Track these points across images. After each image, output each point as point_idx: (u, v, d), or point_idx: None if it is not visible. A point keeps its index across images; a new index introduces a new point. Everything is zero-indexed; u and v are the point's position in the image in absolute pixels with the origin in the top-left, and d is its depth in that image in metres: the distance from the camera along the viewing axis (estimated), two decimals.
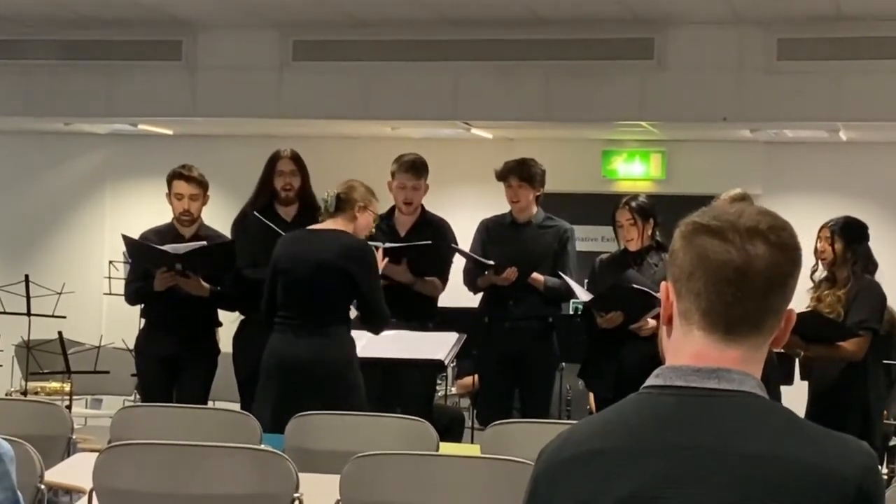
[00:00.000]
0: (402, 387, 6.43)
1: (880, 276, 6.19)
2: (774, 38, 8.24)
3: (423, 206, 6.66)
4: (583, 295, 6.42)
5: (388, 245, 6.29)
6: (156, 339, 6.37)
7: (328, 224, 5.64)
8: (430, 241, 6.42)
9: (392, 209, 6.67)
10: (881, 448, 6.61)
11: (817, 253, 5.98)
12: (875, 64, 8.07)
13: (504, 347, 6.64)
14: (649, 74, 8.47)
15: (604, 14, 8.22)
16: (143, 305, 6.52)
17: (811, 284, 6.03)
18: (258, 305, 5.93)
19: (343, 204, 5.57)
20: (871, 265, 6.06)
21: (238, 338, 6.46)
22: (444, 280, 6.61)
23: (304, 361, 5.49)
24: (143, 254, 6.35)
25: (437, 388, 7.35)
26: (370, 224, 5.76)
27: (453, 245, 6.62)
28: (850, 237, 6.01)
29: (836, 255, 5.96)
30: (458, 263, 6.76)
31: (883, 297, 6.06)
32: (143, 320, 6.54)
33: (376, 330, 5.75)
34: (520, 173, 6.64)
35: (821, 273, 6.05)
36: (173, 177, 6.40)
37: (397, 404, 6.26)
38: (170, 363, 6.32)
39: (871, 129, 8.88)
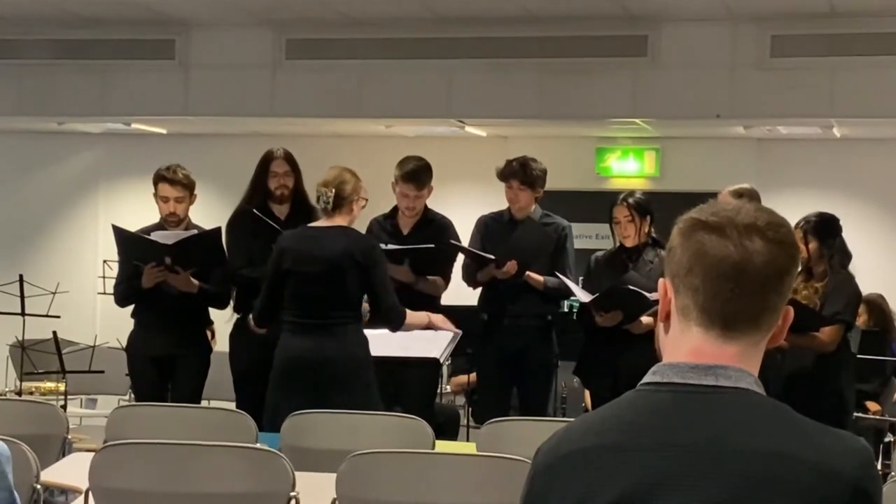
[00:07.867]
0: (403, 385, 6.42)
1: (874, 272, 6.23)
2: (768, 35, 8.25)
3: (425, 205, 6.65)
4: (583, 296, 6.39)
5: (390, 247, 6.27)
6: (147, 339, 6.34)
7: (329, 221, 5.62)
8: (432, 244, 6.41)
9: (395, 208, 6.66)
10: (861, 433, 6.67)
11: None
12: (868, 60, 8.08)
13: (503, 345, 6.60)
14: (643, 71, 8.48)
15: (597, 11, 8.22)
16: (133, 306, 6.50)
17: None
18: (252, 303, 5.92)
19: (341, 200, 5.57)
20: (846, 258, 6.17)
21: (234, 336, 6.45)
22: (447, 279, 6.60)
23: (324, 360, 5.46)
24: (132, 245, 6.31)
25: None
26: (360, 208, 5.74)
27: (453, 241, 6.60)
28: (823, 234, 6.13)
29: (811, 253, 6.08)
30: (458, 260, 6.75)
31: (857, 293, 6.24)
32: (133, 321, 6.52)
33: (394, 326, 5.74)
34: (522, 177, 6.56)
35: None
36: (158, 179, 6.36)
37: (397, 402, 6.25)
38: (162, 363, 6.30)
39: (865, 125, 8.90)
